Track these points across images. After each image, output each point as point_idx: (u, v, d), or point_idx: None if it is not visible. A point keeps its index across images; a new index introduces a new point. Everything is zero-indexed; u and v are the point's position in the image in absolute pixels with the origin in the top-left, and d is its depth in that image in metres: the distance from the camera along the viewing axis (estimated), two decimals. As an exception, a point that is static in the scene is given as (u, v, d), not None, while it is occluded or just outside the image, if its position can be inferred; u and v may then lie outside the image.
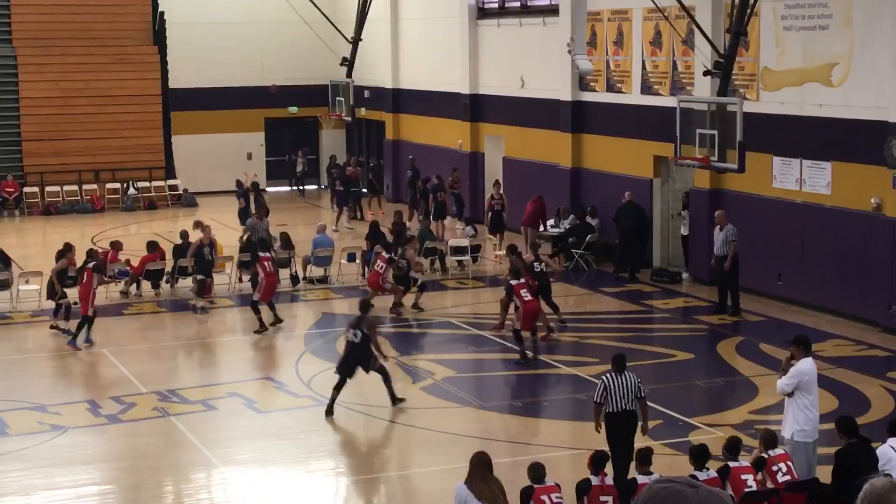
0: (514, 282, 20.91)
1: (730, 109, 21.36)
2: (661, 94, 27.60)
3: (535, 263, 22.92)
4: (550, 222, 30.11)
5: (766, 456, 13.02)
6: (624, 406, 14.57)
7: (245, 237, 28.19)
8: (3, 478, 15.86)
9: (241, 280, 26.77)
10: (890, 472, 12.55)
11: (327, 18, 36.05)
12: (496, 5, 34.97)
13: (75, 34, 39.89)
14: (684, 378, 20.11)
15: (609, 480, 12.51)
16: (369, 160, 41.27)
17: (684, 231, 27.27)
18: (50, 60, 39.35)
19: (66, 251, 24.36)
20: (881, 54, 21.89)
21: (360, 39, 36.43)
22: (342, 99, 37.00)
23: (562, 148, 31.11)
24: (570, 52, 25.78)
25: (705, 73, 22.76)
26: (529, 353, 20.63)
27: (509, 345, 21.94)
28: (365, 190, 38.25)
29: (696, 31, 23.62)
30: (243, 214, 32.58)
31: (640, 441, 14.74)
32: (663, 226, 28.51)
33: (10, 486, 15.57)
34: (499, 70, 34.38)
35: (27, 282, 25.73)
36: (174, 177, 40.76)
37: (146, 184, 39.84)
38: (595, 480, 12.54)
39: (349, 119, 38.02)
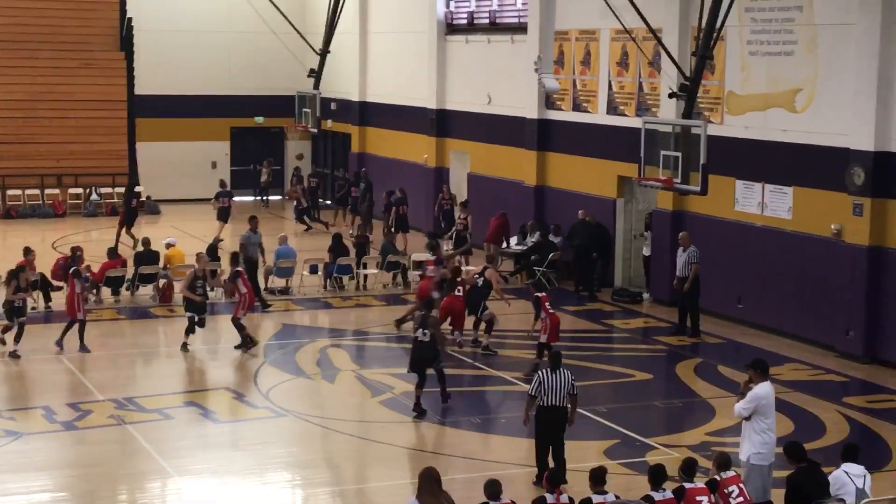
0: (539, 294, 21.27)
1: (694, 132, 21.46)
2: (626, 115, 27.74)
3: (477, 276, 23.23)
4: (513, 240, 30.18)
5: (718, 478, 13.08)
6: (555, 402, 15.43)
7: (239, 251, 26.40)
8: (-45, 483, 15.71)
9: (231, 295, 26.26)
10: (843, 496, 12.65)
11: (296, 29, 36.01)
12: (465, 21, 35.06)
13: (43, 38, 39.69)
14: (642, 398, 20.18)
15: (564, 499, 12.51)
16: (336, 172, 41.16)
17: (646, 252, 27.40)
18: (16, 63, 39.13)
19: (20, 271, 22.46)
20: (844, 81, 22.10)
21: (329, 51, 36.37)
22: (308, 110, 36.94)
23: (527, 165, 31.20)
24: (536, 70, 25.86)
25: (671, 96, 22.86)
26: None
27: (468, 360, 21.97)
28: (330, 202, 38.32)
29: (663, 53, 23.76)
30: (223, 215, 33.64)
31: (594, 460, 14.77)
32: (626, 246, 28.63)
33: (-38, 492, 15.42)
34: (466, 86, 34.46)
35: (-14, 285, 25.49)
36: (138, 184, 40.54)
37: (109, 190, 39.62)
38: (550, 499, 12.54)
39: (315, 130, 37.98)
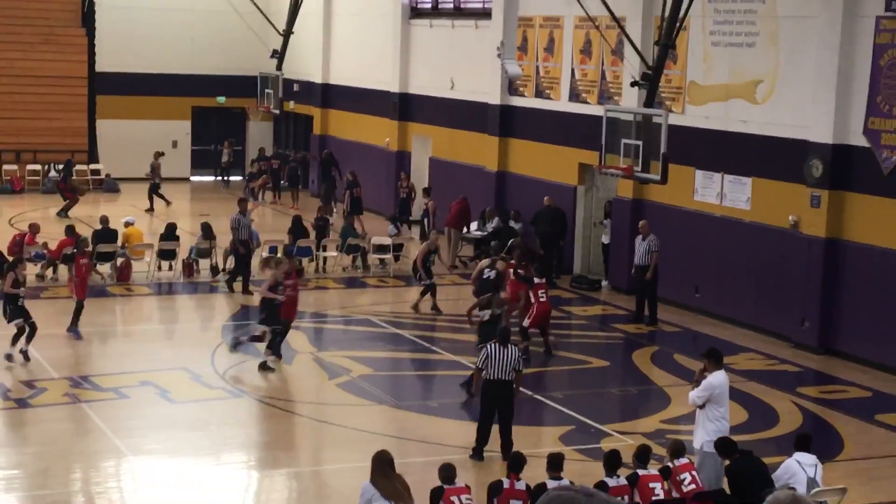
0: (537, 280, 21.47)
1: (655, 121, 21.58)
2: (588, 103, 27.79)
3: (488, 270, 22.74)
4: (474, 225, 30.19)
5: (670, 465, 13.18)
6: (501, 376, 15.84)
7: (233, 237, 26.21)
8: None
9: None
10: (794, 485, 12.77)
11: (259, 10, 35.86)
12: (429, 6, 35.01)
13: (3, 12, 39.27)
14: (599, 385, 20.28)
15: (520, 485, 12.56)
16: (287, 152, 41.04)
17: (605, 239, 27.49)
18: (-25, 37, 38.76)
19: (18, 262, 21.07)
20: (805, 74, 22.24)
21: (292, 32, 36.28)
22: (271, 91, 36.84)
23: (489, 151, 31.22)
24: (499, 55, 25.88)
25: (633, 84, 22.95)
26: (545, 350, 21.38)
27: (425, 344, 22.00)
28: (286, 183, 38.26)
29: (626, 41, 23.84)
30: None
31: (549, 445, 14.83)
32: (585, 233, 28.71)
33: (-86, 468, 15.30)
34: (429, 70, 34.42)
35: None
36: (97, 161, 40.30)
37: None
38: (506, 483, 12.60)
39: (277, 112, 37.90)
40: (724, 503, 13.17)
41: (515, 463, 12.79)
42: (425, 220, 31.43)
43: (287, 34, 36.09)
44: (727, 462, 13.29)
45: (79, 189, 35.55)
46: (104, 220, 27.07)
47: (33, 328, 20.02)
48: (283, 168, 38.89)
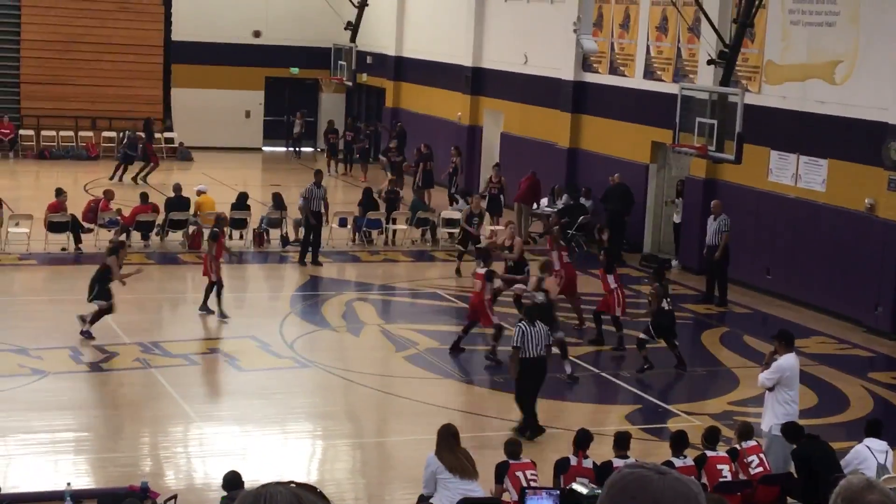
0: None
1: (731, 100, 21.34)
2: (663, 80, 27.55)
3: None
4: (544, 201, 30.08)
5: (738, 447, 13.08)
6: (535, 353, 15.90)
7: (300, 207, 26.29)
8: (-20, 418, 15.86)
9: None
10: (864, 471, 12.62)
11: (335, -19, 35.92)
12: (505, -20, 34.82)
13: (80, -20, 39.68)
14: (666, 365, 20.12)
15: (587, 463, 12.52)
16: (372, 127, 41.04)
17: (677, 219, 27.27)
18: (53, 3, 39.13)
19: (121, 246, 20.65)
20: (886, 55, 21.87)
21: (367, 4, 36.34)
22: (344, 63, 36.96)
23: (560, 127, 31.07)
24: (575, 31, 25.74)
25: (709, 62, 22.72)
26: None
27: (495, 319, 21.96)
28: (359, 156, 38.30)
29: (703, 19, 23.57)
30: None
31: (616, 424, 14.76)
32: (656, 212, 28.51)
33: (-13, 427, 15.57)
34: (503, 45, 34.28)
35: (17, 224, 25.65)
36: (171, 130, 40.64)
37: (143, 135, 39.65)
38: (573, 461, 12.57)
39: (350, 84, 37.98)
40: (791, 487, 13.05)
41: (583, 440, 12.74)
42: (488, 197, 30.69)
43: (361, 6, 36.16)
44: (794, 446, 13.17)
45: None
46: (177, 188, 27.30)
47: (110, 310, 19.80)
48: (357, 140, 38.89)
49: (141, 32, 40.01)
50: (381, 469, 15.62)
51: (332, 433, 16.49)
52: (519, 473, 12.22)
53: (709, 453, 12.85)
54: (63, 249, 24.58)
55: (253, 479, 12.40)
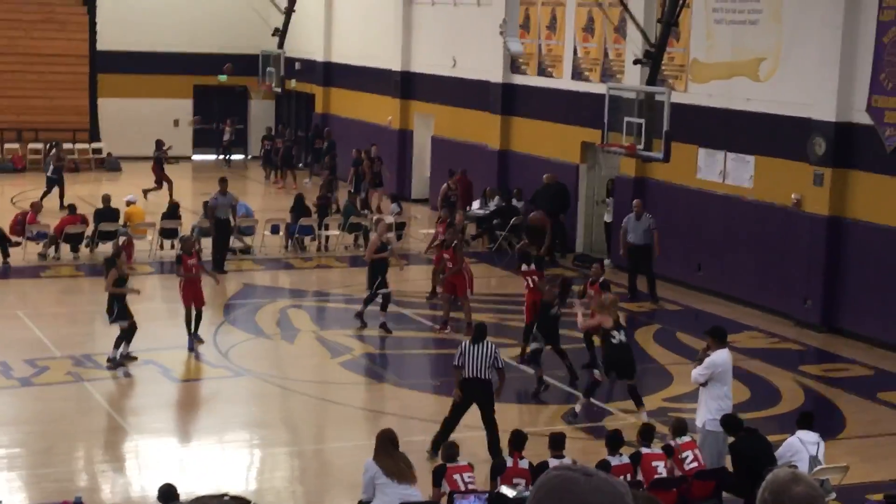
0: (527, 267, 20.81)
1: (658, 99, 21.52)
2: (591, 81, 27.72)
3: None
4: (475, 204, 30.13)
5: (673, 444, 13.19)
6: (477, 374, 14.83)
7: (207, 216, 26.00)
8: None
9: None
10: (796, 463, 12.78)
11: (261, -12, 35.76)
12: (431, -17, 34.86)
13: (3, -9, 39.21)
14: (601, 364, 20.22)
15: (524, 463, 12.57)
16: (293, 133, 40.90)
17: (608, 218, 27.45)
18: (-24, 16, 38.66)
19: (116, 257, 19.44)
20: (808, 51, 22.16)
21: (294, 10, 36.20)
22: (273, 70, 36.77)
23: (491, 129, 31.16)
24: (502, 33, 25.81)
25: (635, 62, 22.89)
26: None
27: (428, 323, 21.99)
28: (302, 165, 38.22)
29: (629, 19, 23.75)
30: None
31: (550, 425, 14.82)
32: (588, 212, 28.67)
33: (-83, 447, 15.32)
34: (431, 49, 34.33)
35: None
36: (99, 139, 40.24)
37: (70, 146, 39.24)
38: (509, 462, 12.61)
39: (279, 90, 37.84)
40: (726, 481, 13.18)
41: (518, 441, 12.79)
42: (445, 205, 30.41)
43: (289, 12, 36.01)
44: (731, 439, 13.30)
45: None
46: (106, 198, 27.06)
47: (132, 329, 18.82)
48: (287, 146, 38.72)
49: (66, 43, 39.59)
50: (320, 476, 15.57)
51: (269, 442, 16.42)
52: (456, 476, 12.24)
53: (644, 451, 12.95)
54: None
55: (189, 490, 12.32)
